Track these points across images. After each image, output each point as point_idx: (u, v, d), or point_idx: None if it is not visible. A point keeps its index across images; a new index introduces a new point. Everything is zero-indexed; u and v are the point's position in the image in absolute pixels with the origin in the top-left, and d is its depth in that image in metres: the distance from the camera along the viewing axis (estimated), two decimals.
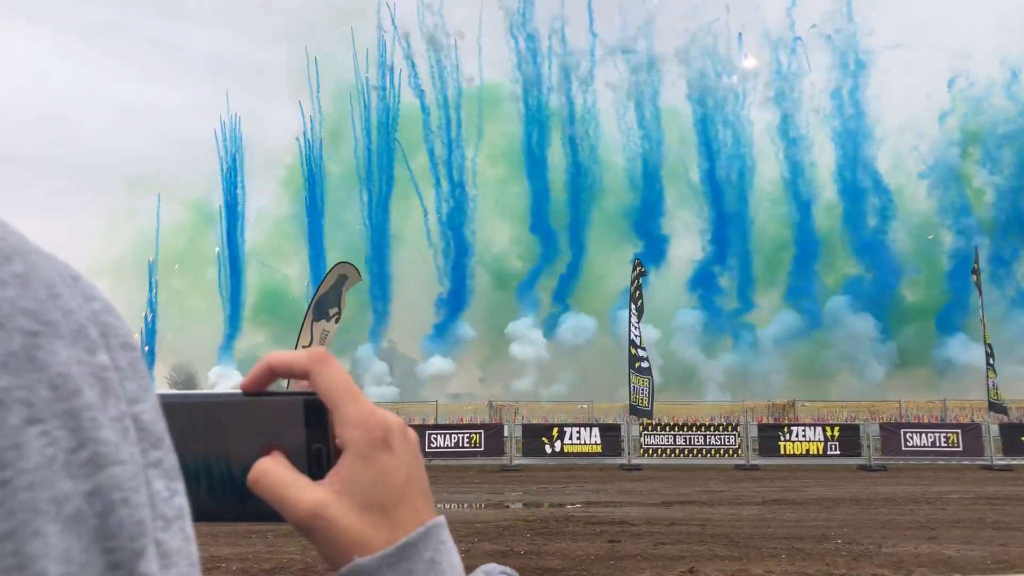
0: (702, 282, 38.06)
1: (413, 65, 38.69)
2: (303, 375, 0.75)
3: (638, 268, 27.94)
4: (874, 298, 37.30)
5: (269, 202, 41.48)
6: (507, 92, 38.32)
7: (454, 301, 39.45)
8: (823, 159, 37.37)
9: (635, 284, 27.33)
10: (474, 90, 38.28)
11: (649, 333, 34.31)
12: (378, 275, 39.43)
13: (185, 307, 41.31)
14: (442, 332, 39.53)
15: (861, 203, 37.02)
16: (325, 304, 26.39)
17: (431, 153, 38.82)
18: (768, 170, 37.79)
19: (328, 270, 27.88)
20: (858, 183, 36.86)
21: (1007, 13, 33.90)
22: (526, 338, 38.53)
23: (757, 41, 37.71)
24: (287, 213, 41.16)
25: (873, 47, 36.42)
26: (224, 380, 37.31)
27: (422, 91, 38.52)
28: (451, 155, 38.39)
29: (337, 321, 26.89)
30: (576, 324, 37.94)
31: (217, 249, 41.55)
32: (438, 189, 38.74)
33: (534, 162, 38.52)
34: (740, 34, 37.64)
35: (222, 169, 40.94)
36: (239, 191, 40.98)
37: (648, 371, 25.44)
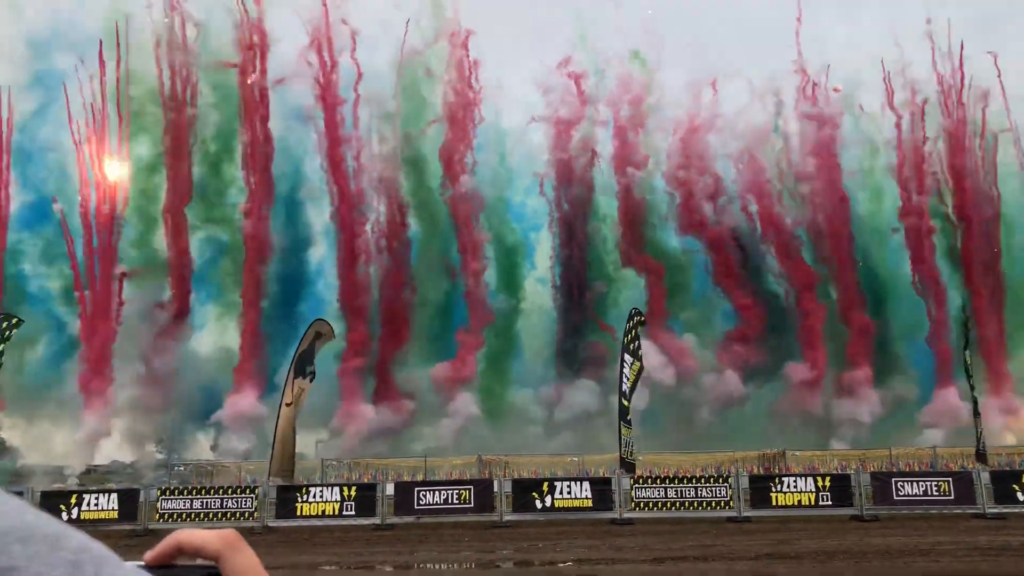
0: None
1: None
2: (213, 558, 0.75)
3: (635, 318, 27.63)
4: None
5: None
6: None
7: None
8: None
9: (631, 335, 27.12)
10: None
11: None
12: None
13: None
14: None
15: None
16: (304, 361, 26.38)
17: None
18: None
19: (307, 328, 27.88)
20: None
21: None
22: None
23: None
24: None
25: None
26: None
27: None
28: None
29: (311, 379, 26.85)
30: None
31: None
32: None
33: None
34: None
35: None
36: None
37: (629, 423, 25.44)
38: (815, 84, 40.71)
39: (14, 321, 25.70)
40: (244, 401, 34.92)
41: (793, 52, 40.60)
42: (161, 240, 38.00)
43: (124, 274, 36.79)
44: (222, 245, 39.04)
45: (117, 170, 37.42)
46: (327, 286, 40.02)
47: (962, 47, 40.08)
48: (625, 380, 25.88)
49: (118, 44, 37.16)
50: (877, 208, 41.22)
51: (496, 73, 40.36)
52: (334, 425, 36.80)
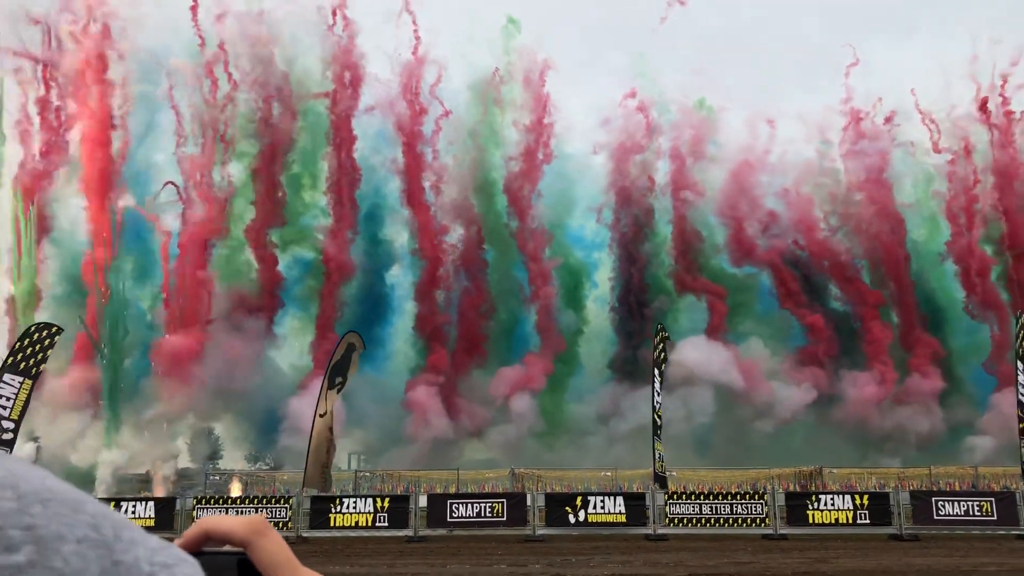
0: None
1: None
2: (242, 545, 0.77)
3: (661, 334, 27.75)
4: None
5: None
6: None
7: None
8: None
9: (658, 350, 27.17)
10: None
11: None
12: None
13: None
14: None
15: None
16: (336, 373, 26.69)
17: None
18: None
19: (340, 339, 28.19)
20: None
21: None
22: None
23: None
24: None
25: None
26: None
27: None
28: None
29: (339, 391, 27.17)
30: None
31: None
32: None
33: None
34: None
35: None
36: None
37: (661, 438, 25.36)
38: (860, 118, 40.77)
39: (54, 329, 26.11)
40: (306, 414, 35.43)
41: (843, 89, 41.18)
42: (249, 259, 38.87)
43: (212, 290, 37.59)
44: (306, 265, 39.81)
45: (213, 191, 38.34)
46: (403, 310, 40.93)
47: (1004, 84, 39.84)
48: (656, 395, 25.79)
49: (228, 71, 38.15)
50: (932, 234, 41.08)
51: (559, 100, 41.37)
52: (404, 435, 37.31)
